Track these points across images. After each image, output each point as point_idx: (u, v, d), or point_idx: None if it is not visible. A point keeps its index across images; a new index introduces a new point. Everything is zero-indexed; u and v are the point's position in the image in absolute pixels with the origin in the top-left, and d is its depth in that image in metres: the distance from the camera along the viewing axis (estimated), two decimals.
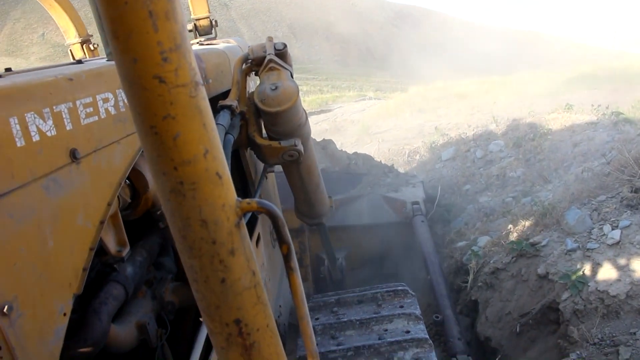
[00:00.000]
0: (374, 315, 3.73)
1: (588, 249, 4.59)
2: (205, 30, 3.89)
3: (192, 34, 3.89)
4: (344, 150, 9.12)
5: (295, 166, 3.22)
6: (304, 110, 3.02)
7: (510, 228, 5.88)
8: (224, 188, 0.94)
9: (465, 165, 9.19)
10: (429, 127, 15.14)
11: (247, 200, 1.01)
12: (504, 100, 16.92)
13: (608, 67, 23.50)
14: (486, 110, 14.80)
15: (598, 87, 17.30)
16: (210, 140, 0.89)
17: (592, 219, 4.92)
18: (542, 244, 5.09)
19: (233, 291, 1.01)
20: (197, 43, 3.64)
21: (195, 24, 3.88)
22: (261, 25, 59.26)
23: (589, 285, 4.28)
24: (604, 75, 20.06)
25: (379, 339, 3.49)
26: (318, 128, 17.33)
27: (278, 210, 1.08)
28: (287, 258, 1.13)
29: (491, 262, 5.53)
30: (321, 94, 30.70)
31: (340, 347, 3.41)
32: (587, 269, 4.42)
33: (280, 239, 1.11)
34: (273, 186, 4.12)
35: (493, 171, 8.29)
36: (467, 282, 5.69)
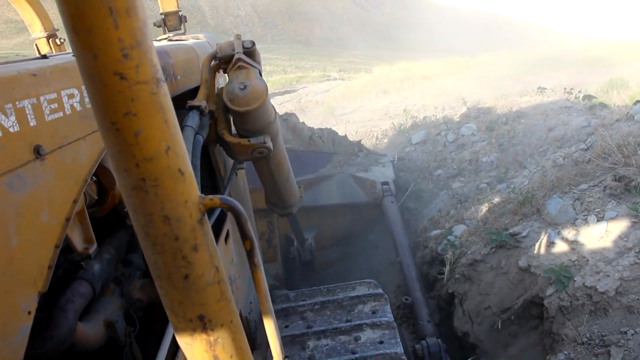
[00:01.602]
0: (340, 284, 4.21)
1: (573, 242, 4.36)
2: (174, 26, 3.85)
3: (160, 29, 3.84)
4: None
5: (265, 162, 3.27)
6: (273, 108, 3.02)
7: (487, 217, 5.62)
8: (186, 184, 0.94)
9: (437, 149, 8.92)
10: (395, 108, 14.93)
11: (210, 196, 1.01)
12: (470, 82, 16.85)
13: (570, 50, 23.91)
14: (452, 92, 14.68)
15: (561, 69, 17.44)
16: (172, 137, 0.89)
17: (574, 209, 4.69)
18: (523, 234, 4.85)
19: (196, 287, 1.02)
20: (166, 39, 3.62)
21: (163, 19, 3.82)
22: (224, 3, 57.68)
23: (575, 280, 4.05)
24: (567, 59, 20.35)
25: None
26: (282, 109, 16.91)
27: (241, 207, 1.10)
28: (250, 254, 1.15)
29: (468, 252, 5.27)
30: (285, 74, 30.24)
31: (308, 302, 3.94)
32: (572, 263, 4.19)
33: (244, 235, 1.13)
34: (243, 182, 4.14)
35: (465, 156, 8.02)
36: (442, 273, 5.42)
